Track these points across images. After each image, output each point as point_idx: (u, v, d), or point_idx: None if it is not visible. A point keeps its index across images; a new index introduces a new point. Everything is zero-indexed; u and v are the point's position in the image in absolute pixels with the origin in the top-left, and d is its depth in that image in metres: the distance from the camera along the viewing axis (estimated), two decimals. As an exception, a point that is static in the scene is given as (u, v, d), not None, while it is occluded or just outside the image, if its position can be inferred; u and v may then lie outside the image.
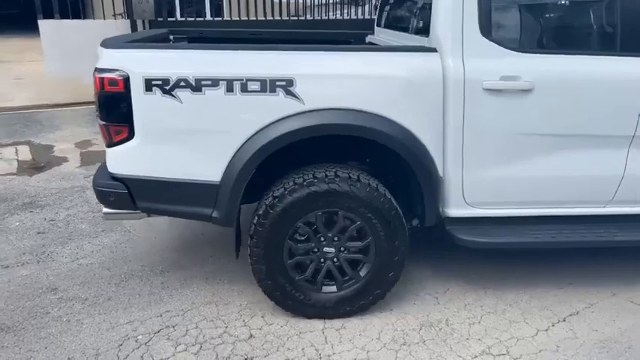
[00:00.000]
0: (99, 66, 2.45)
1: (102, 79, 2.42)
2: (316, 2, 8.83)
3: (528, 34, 2.79)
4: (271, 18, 8.45)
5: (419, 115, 2.56)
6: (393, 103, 2.52)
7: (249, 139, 2.47)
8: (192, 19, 8.54)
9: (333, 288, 2.74)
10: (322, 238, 2.65)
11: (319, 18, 8.69)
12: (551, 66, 2.62)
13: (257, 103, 2.44)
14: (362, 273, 2.72)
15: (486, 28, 2.56)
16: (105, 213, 2.71)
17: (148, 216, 2.75)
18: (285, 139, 2.45)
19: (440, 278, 3.18)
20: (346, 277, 2.72)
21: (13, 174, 5.01)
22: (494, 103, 2.58)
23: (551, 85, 2.60)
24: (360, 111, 2.49)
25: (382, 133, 2.51)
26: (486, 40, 2.56)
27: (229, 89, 2.41)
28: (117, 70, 2.41)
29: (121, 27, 7.68)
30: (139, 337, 2.59)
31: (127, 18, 7.99)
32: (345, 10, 8.94)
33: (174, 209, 2.64)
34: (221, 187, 2.53)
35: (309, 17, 8.73)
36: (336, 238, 2.65)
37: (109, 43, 2.56)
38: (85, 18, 9.37)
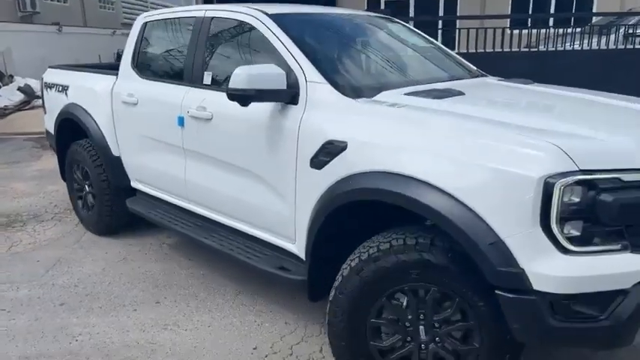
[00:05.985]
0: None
1: (39, 83, 5.16)
2: (555, 32, 8.47)
3: (149, 65, 3.92)
4: (500, 50, 7.92)
5: (102, 114, 4.18)
6: (92, 105, 4.27)
7: (57, 114, 4.70)
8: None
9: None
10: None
11: (553, 49, 8.30)
12: (146, 88, 3.76)
13: (61, 97, 4.66)
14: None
15: (134, 60, 3.95)
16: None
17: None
18: (61, 116, 4.60)
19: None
20: None
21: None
22: (125, 112, 3.92)
23: (143, 101, 3.75)
24: (79, 106, 4.35)
25: (81, 121, 4.30)
26: (131, 69, 3.95)
27: (56, 90, 4.74)
28: (43, 79, 5.09)
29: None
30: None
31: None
32: (586, 41, 8.20)
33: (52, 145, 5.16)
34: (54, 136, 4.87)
35: (542, 49, 8.52)
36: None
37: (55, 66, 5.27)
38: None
